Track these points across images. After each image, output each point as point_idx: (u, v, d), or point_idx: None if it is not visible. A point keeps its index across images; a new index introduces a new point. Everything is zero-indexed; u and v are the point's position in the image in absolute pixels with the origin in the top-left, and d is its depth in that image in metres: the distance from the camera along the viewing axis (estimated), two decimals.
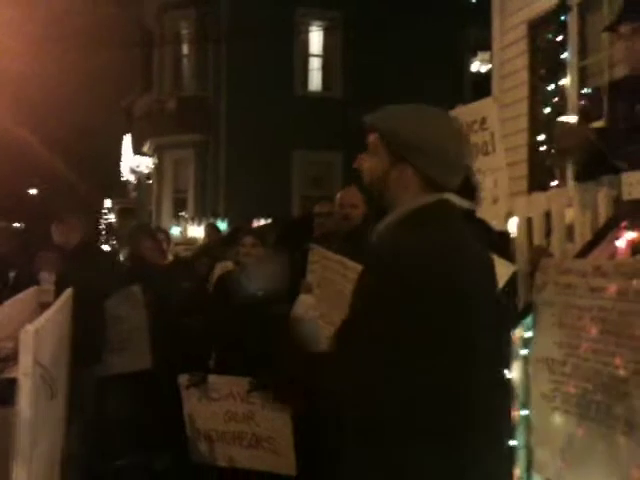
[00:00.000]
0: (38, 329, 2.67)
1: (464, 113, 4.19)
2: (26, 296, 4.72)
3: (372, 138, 2.02)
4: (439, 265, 1.81)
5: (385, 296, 1.80)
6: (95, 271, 5.08)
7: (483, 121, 4.05)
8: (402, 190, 1.97)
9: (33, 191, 39.08)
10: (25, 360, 2.53)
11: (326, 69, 18.64)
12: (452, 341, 1.79)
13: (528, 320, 3.07)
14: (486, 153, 4.04)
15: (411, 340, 1.76)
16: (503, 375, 1.97)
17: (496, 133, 4.02)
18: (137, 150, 23.61)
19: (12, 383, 2.60)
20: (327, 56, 18.63)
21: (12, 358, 3.09)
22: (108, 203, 33.32)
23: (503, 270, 3.04)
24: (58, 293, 4.51)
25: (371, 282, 1.86)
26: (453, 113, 4.20)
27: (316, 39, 18.67)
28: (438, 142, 1.96)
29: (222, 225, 13.46)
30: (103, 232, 31.82)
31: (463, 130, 2.13)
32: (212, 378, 4.83)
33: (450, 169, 1.99)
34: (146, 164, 23.02)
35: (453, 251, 1.86)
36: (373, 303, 1.82)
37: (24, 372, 2.53)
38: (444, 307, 1.78)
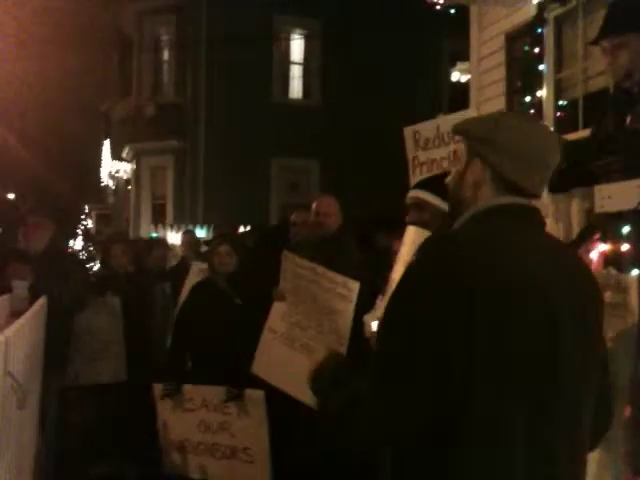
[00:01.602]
0: (8, 338, 2.63)
1: (447, 122, 4.18)
2: None
3: (459, 147, 1.97)
4: (447, 265, 1.66)
5: (402, 292, 1.73)
6: (63, 279, 4.99)
7: None
8: (475, 189, 1.85)
9: (11, 196, 38.50)
10: None
11: (305, 77, 18.65)
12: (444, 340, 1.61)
13: None
14: None
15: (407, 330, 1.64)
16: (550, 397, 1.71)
17: None
18: (116, 155, 23.44)
19: None
20: (306, 64, 18.64)
21: None
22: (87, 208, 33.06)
23: None
24: (32, 301, 4.43)
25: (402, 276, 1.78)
26: (436, 122, 4.21)
27: (295, 47, 18.69)
28: (513, 139, 1.80)
29: (200, 232, 13.38)
30: (81, 238, 31.54)
31: (557, 140, 1.96)
32: (187, 388, 4.78)
33: (526, 169, 1.81)
34: (125, 169, 22.86)
35: (479, 256, 1.67)
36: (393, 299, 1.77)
37: None
38: (448, 310, 1.61)
